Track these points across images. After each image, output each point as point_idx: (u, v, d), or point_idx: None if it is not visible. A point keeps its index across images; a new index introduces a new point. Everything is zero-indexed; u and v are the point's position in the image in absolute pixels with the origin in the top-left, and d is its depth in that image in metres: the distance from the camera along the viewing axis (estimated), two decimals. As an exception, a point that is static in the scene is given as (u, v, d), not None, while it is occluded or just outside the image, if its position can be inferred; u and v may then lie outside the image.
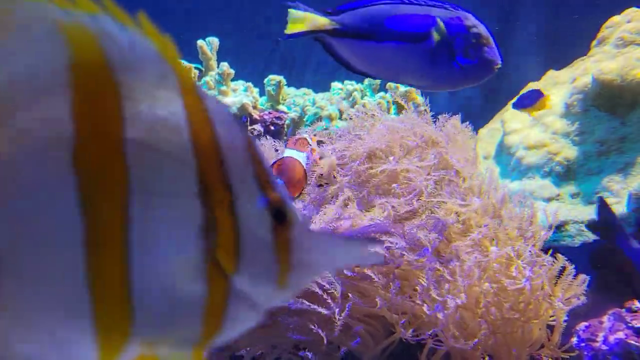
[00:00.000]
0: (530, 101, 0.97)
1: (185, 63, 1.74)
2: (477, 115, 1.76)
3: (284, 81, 1.75)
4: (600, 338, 0.80)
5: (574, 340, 0.89)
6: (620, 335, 0.76)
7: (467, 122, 1.14)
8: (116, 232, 0.28)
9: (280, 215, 0.32)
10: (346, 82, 2.02)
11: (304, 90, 1.81)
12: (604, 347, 0.80)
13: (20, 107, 0.27)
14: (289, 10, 0.94)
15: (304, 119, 1.63)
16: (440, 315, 0.93)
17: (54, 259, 0.28)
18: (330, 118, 1.54)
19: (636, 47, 1.26)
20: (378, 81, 2.00)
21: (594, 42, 1.44)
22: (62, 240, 0.27)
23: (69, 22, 0.29)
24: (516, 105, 1.00)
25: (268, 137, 1.30)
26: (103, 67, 0.29)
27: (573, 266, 0.90)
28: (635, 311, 0.77)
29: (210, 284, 0.30)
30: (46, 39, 0.28)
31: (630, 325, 0.76)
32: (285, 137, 1.72)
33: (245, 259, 0.31)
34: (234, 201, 0.31)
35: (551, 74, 1.64)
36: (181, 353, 0.31)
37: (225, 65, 1.68)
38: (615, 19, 1.39)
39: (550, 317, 0.92)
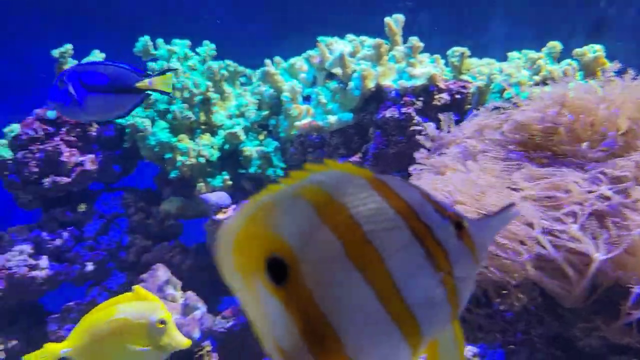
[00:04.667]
0: None
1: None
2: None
3: (467, 52, 1.85)
4: None
5: None
6: None
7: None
8: (388, 282, 0.47)
9: (458, 225, 0.51)
10: (524, 50, 2.05)
11: (487, 60, 1.89)
12: None
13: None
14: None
15: (491, 87, 1.73)
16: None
17: (367, 313, 0.48)
18: (519, 84, 1.62)
19: None
20: (559, 49, 2.01)
21: None
22: (367, 301, 0.48)
23: (301, 189, 0.48)
24: None
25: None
26: (330, 200, 0.48)
27: None
28: None
29: (444, 283, 0.49)
30: (297, 204, 0.48)
31: None
32: (468, 106, 1.83)
33: (452, 257, 0.50)
34: (432, 231, 0.49)
35: None
36: (448, 329, 0.52)
37: (414, 39, 1.83)
38: None
39: None
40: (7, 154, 2.09)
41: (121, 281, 2.07)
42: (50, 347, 1.11)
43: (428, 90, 1.79)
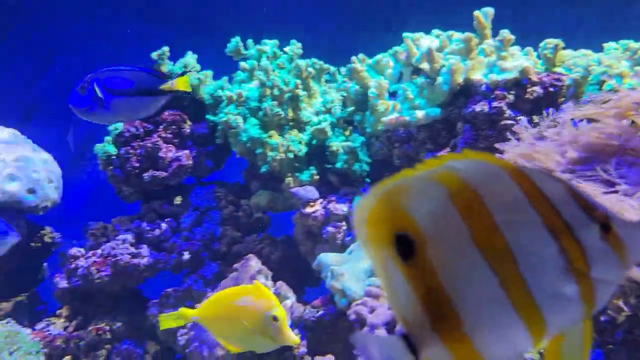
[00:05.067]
0: None
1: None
2: None
3: (561, 44, 1.80)
4: None
5: None
6: None
7: None
8: (514, 272, 0.48)
9: (606, 225, 0.49)
10: (622, 41, 1.96)
11: (582, 51, 1.83)
12: None
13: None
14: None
15: (589, 79, 1.67)
16: None
17: (488, 298, 0.49)
18: (621, 76, 1.56)
19: None
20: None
21: None
22: (489, 288, 0.49)
23: (436, 174, 0.49)
24: None
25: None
26: (465, 187, 0.49)
27: None
28: None
29: (578, 281, 0.49)
30: (430, 187, 0.49)
31: None
32: (563, 99, 1.78)
33: (591, 258, 0.49)
34: (571, 228, 0.49)
35: None
36: (577, 326, 0.51)
37: (506, 32, 1.80)
38: None
39: None
40: (112, 150, 2.26)
41: (215, 270, 2.17)
42: (184, 311, 1.30)
43: (520, 83, 1.76)
